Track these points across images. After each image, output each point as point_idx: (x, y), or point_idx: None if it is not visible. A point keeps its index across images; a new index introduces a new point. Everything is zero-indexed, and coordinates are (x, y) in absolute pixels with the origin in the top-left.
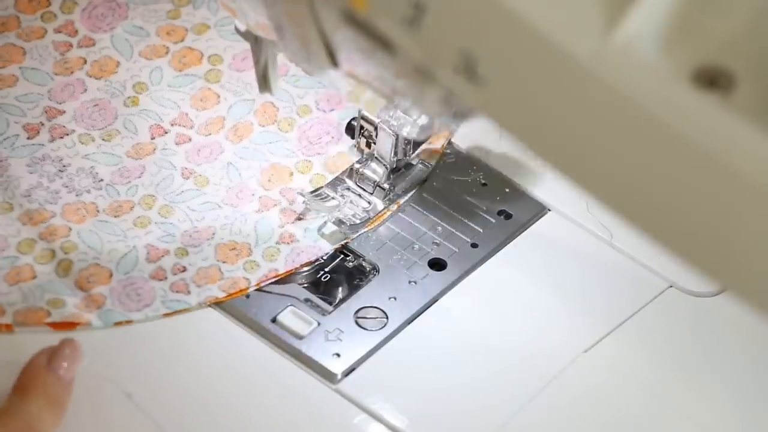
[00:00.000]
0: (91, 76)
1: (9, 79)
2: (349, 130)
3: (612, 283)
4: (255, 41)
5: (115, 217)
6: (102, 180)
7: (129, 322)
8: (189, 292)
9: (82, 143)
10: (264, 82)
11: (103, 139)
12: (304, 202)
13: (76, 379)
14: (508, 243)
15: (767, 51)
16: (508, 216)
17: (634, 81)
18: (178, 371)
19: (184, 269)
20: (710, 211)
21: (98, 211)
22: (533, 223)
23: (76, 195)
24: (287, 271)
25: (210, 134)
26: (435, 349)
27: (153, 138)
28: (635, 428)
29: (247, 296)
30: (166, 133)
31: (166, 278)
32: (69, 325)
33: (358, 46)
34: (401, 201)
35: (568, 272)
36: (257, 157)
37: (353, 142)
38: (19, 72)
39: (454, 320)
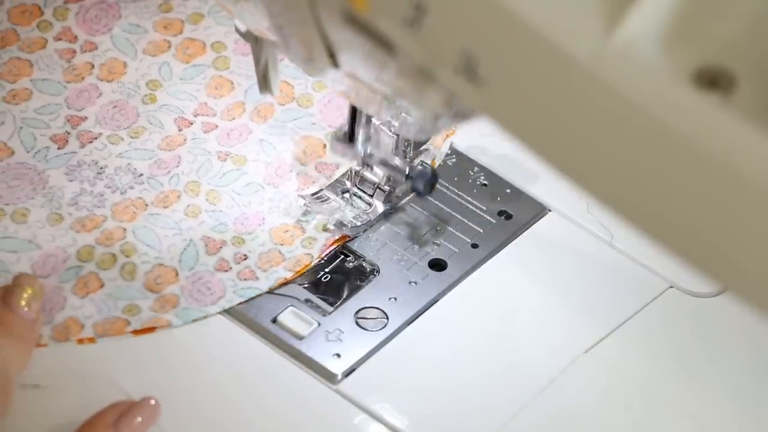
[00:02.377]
0: (102, 80)
1: (23, 93)
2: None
3: (612, 284)
4: (255, 41)
5: (165, 208)
6: (142, 174)
7: (206, 317)
8: (257, 278)
9: (113, 143)
10: (264, 83)
11: (132, 137)
12: (304, 204)
13: (79, 380)
14: (509, 243)
15: (767, 52)
16: (509, 216)
17: (634, 81)
18: (178, 372)
19: (246, 257)
20: (710, 211)
21: (147, 205)
22: (533, 224)
23: (121, 193)
24: (343, 236)
25: (234, 118)
26: (435, 349)
27: (180, 130)
28: (635, 428)
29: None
30: (191, 124)
31: (231, 268)
32: (149, 329)
33: (358, 47)
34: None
35: (568, 273)
36: (286, 132)
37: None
38: (31, 85)
39: (454, 321)
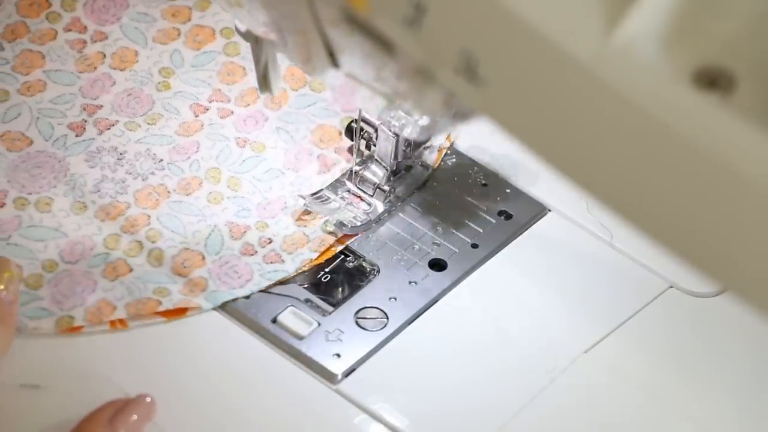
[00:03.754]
0: (115, 69)
1: (38, 84)
2: (349, 132)
3: (612, 284)
4: (255, 41)
5: (187, 195)
6: (162, 160)
7: (235, 300)
8: (283, 261)
9: (130, 130)
10: (264, 82)
11: (149, 123)
12: (304, 204)
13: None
14: (509, 243)
15: (767, 52)
16: (509, 216)
17: (634, 81)
18: (178, 371)
19: (270, 241)
20: (710, 211)
21: (169, 192)
22: (533, 224)
23: (143, 179)
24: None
25: (249, 105)
26: (435, 349)
27: (197, 116)
28: (635, 428)
29: (247, 296)
30: (207, 110)
31: (256, 252)
32: (180, 311)
33: (358, 47)
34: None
35: (568, 273)
36: (302, 120)
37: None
38: (44, 76)
39: (454, 320)
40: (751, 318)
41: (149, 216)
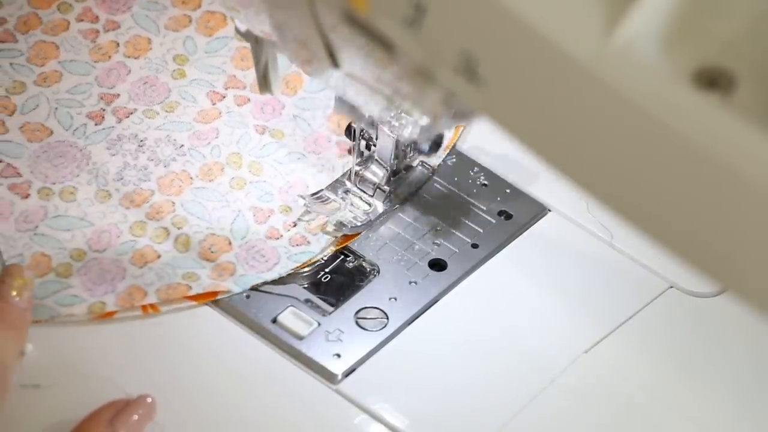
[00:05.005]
0: (129, 57)
1: (53, 75)
2: (349, 132)
3: (612, 284)
4: (255, 41)
5: (210, 181)
6: (182, 145)
7: (264, 283)
8: (309, 243)
9: (149, 117)
10: (264, 82)
11: (167, 111)
12: (304, 204)
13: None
14: (509, 243)
15: (767, 52)
16: (509, 216)
17: (634, 81)
18: (178, 371)
19: (295, 224)
20: (710, 211)
21: (192, 179)
22: (533, 224)
23: (164, 166)
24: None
25: None
26: (435, 349)
27: (214, 104)
28: (635, 428)
29: (248, 296)
30: (224, 97)
31: (281, 236)
32: (211, 294)
33: (358, 47)
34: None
35: (568, 273)
36: (318, 105)
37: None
38: (60, 66)
39: (454, 320)
40: (751, 318)
41: (173, 203)
